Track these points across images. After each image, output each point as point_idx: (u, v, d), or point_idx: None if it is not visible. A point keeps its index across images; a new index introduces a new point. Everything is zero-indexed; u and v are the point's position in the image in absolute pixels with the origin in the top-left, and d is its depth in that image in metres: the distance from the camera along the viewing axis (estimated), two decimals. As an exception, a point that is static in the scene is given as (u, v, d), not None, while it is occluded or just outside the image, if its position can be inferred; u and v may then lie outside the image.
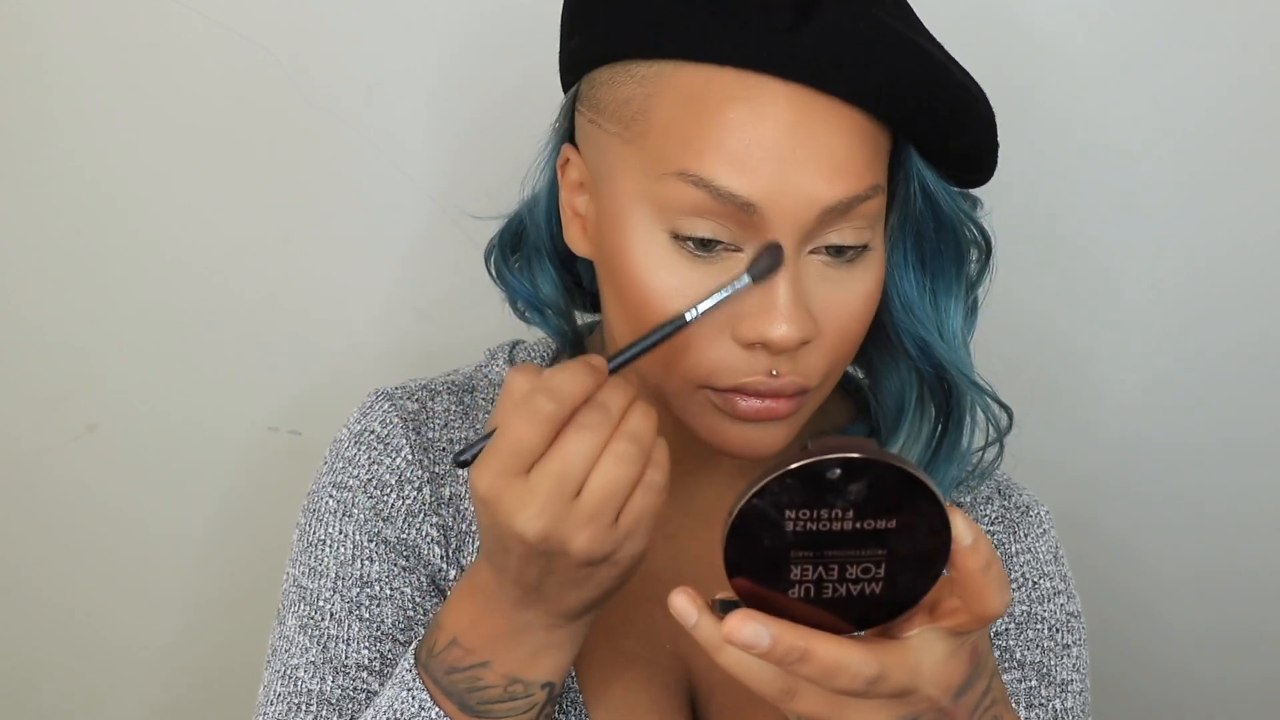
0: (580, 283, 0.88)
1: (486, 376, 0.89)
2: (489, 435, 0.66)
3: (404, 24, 1.13)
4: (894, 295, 0.81)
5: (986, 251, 0.83)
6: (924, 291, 0.81)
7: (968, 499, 0.90)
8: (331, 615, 0.81)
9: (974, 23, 1.11)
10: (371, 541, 0.83)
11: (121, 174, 1.16)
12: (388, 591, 0.82)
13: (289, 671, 0.81)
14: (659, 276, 0.72)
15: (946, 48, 0.76)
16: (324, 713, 0.79)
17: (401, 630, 0.82)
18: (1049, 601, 0.87)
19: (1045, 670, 0.86)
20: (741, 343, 0.72)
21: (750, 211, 0.70)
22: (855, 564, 0.59)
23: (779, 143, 0.70)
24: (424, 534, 0.83)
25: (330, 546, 0.83)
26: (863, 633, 0.61)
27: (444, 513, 0.84)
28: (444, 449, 0.85)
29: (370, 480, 0.84)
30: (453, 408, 0.87)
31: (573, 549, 0.66)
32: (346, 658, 0.80)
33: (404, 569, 0.83)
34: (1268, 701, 1.30)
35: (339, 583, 0.82)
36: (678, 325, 0.70)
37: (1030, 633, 0.86)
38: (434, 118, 1.16)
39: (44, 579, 1.26)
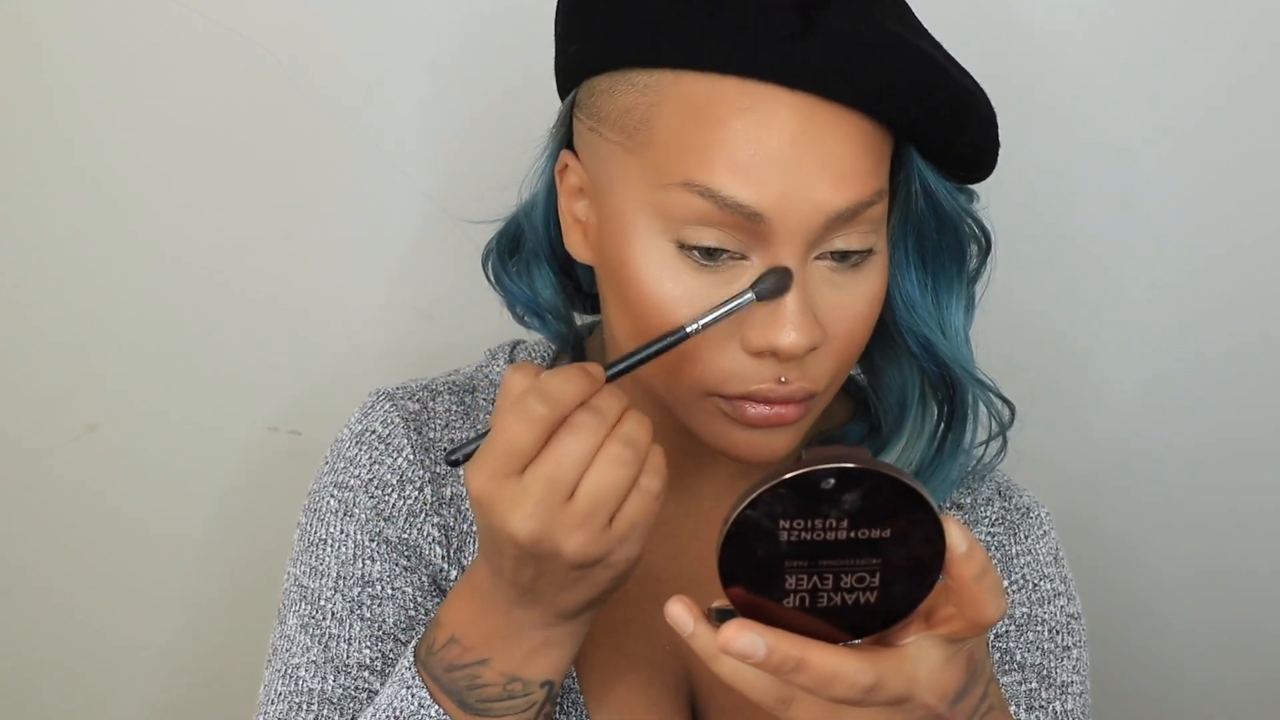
0: (579, 285, 0.88)
1: (487, 377, 0.89)
2: (481, 435, 0.67)
3: (404, 24, 1.13)
4: (896, 294, 0.81)
5: (986, 246, 0.83)
6: (926, 289, 0.81)
7: (969, 499, 0.90)
8: (333, 614, 0.81)
9: (973, 22, 1.10)
10: (373, 541, 0.83)
11: (121, 174, 1.16)
12: (389, 591, 0.82)
13: (290, 671, 0.81)
14: (664, 285, 0.72)
15: (946, 47, 0.76)
16: (325, 712, 0.79)
17: (403, 630, 0.82)
18: (1049, 603, 0.87)
19: (1046, 672, 0.85)
20: (750, 350, 0.72)
21: (757, 221, 0.70)
22: (850, 573, 0.59)
23: (785, 152, 0.70)
24: (425, 534, 0.83)
25: (331, 546, 0.83)
26: (858, 641, 0.61)
27: (445, 513, 0.84)
28: (445, 449, 0.85)
29: (372, 480, 0.84)
30: (454, 408, 0.87)
31: (565, 551, 0.66)
32: (348, 657, 0.80)
33: (405, 569, 0.83)
34: (1267, 701, 1.30)
35: (340, 582, 0.82)
36: (678, 337, 0.70)
37: (1031, 635, 0.86)
38: (434, 118, 1.15)
39: (44, 579, 1.26)
